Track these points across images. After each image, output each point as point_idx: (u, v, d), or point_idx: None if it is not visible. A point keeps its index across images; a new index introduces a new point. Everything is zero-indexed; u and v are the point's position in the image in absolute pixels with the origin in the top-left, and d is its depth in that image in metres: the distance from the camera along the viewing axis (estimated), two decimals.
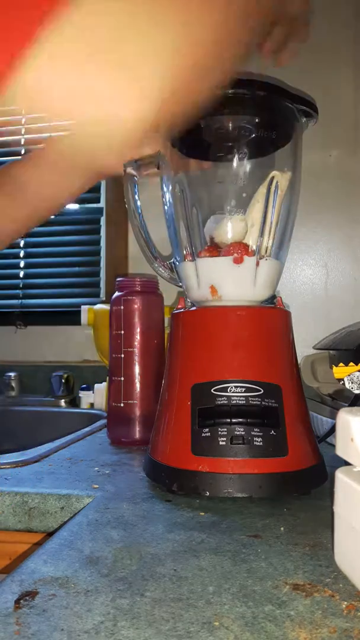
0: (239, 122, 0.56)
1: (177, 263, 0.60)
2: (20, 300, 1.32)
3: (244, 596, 0.32)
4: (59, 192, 0.65)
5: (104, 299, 1.26)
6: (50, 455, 0.69)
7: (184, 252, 0.59)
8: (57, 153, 0.64)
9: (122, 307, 0.77)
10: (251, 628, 0.28)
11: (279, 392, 0.51)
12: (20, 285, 1.32)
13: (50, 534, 0.52)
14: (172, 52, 0.31)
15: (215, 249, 0.57)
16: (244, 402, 0.49)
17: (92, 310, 1.02)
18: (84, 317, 1.02)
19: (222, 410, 0.49)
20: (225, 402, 0.50)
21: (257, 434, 0.48)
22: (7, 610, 0.30)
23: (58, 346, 1.30)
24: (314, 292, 1.18)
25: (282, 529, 0.43)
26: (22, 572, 0.35)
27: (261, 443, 0.48)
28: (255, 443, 0.48)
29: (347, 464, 0.34)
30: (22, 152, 1.36)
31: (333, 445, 0.35)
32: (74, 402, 1.21)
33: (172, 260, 0.62)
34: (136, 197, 0.63)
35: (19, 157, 1.37)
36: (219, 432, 0.49)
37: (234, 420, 0.49)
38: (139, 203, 0.63)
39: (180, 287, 0.61)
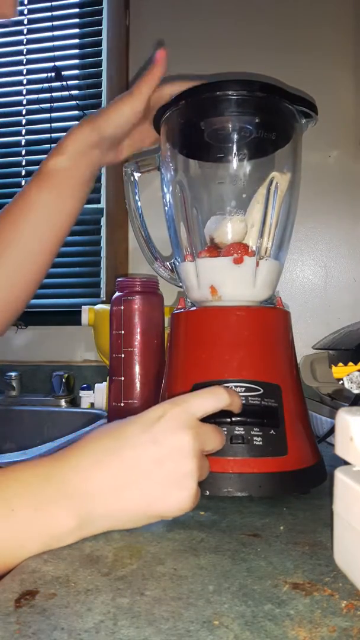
0: (239, 123, 0.56)
1: (177, 263, 0.60)
2: None
3: (243, 595, 0.32)
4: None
5: (104, 299, 1.26)
6: None
7: (184, 252, 0.59)
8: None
9: (122, 307, 0.77)
10: (251, 627, 0.28)
11: (278, 392, 0.51)
12: None
13: None
14: None
15: (215, 249, 0.57)
16: (244, 401, 0.49)
17: (93, 311, 1.02)
18: (85, 317, 1.02)
19: (222, 409, 0.49)
20: None
21: (257, 433, 0.48)
22: (7, 610, 0.30)
23: (59, 346, 1.30)
24: (314, 292, 1.18)
25: (281, 528, 0.43)
26: (23, 571, 0.35)
27: (261, 442, 0.48)
28: (255, 442, 0.48)
29: (346, 463, 0.34)
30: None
31: (333, 445, 0.35)
32: (75, 401, 1.21)
33: (172, 261, 0.63)
34: (136, 197, 0.63)
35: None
36: None
37: (233, 419, 0.49)
38: (139, 203, 0.63)
39: (180, 287, 0.61)
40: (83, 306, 1.03)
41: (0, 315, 0.62)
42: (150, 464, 0.39)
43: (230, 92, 0.54)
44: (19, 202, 0.61)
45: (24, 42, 1.37)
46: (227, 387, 0.49)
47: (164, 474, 0.39)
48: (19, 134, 1.36)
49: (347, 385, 0.58)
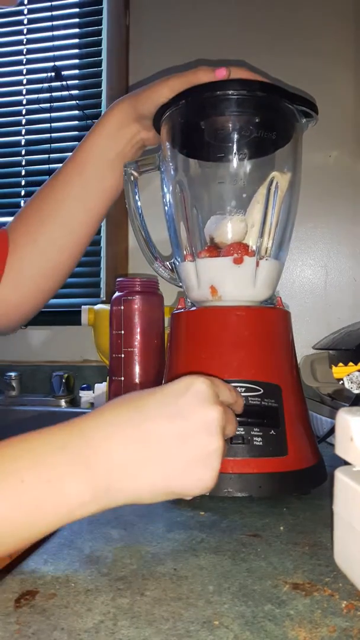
0: (239, 122, 0.56)
1: (177, 263, 0.60)
2: None
3: (243, 595, 0.32)
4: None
5: (104, 299, 1.26)
6: None
7: (184, 252, 0.59)
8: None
9: (122, 307, 0.77)
10: (251, 627, 0.28)
11: (278, 392, 0.51)
12: None
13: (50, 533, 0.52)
14: None
15: (215, 249, 0.57)
16: (244, 401, 0.49)
17: (93, 311, 1.02)
18: (85, 317, 1.02)
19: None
20: None
21: (257, 433, 0.48)
22: (7, 610, 0.30)
23: (59, 346, 1.30)
24: (314, 292, 1.18)
25: (281, 528, 0.43)
26: (23, 571, 0.35)
27: (261, 443, 0.48)
28: (255, 443, 0.48)
29: (346, 463, 0.34)
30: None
31: (333, 445, 0.35)
32: (75, 401, 1.21)
33: (172, 261, 0.62)
34: (136, 197, 0.63)
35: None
36: None
37: None
38: (139, 203, 0.63)
39: (180, 287, 0.61)
40: (83, 306, 1.03)
41: (50, 281, 0.65)
42: (175, 440, 0.36)
43: (230, 92, 0.54)
44: (60, 178, 0.63)
45: (24, 42, 1.37)
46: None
47: (189, 450, 0.36)
48: (19, 133, 1.36)
49: (347, 385, 0.58)
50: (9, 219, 0.65)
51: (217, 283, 0.55)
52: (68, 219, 0.62)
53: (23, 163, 1.36)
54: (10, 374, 1.24)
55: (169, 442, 0.36)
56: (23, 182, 1.36)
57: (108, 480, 0.35)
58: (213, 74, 0.55)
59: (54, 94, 1.33)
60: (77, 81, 1.33)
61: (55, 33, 1.34)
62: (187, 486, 0.37)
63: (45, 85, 1.33)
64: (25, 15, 1.38)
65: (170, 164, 0.60)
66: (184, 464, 0.36)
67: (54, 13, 1.35)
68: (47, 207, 0.62)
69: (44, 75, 1.33)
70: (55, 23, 1.34)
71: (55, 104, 1.33)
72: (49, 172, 1.30)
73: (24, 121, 1.36)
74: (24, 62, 1.37)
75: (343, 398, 0.76)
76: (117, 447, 0.36)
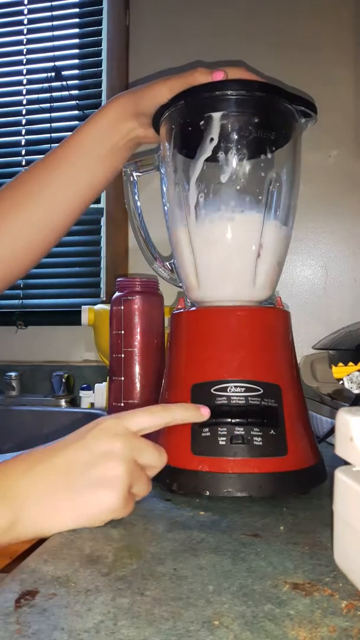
0: (239, 123, 0.56)
1: (176, 263, 0.60)
2: (20, 301, 1.32)
3: (243, 595, 0.32)
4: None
5: (104, 299, 1.26)
6: None
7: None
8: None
9: (122, 307, 0.77)
10: (251, 627, 0.28)
11: (278, 392, 0.51)
12: (21, 285, 1.32)
13: None
14: None
15: None
16: (244, 402, 0.49)
17: (93, 311, 1.02)
18: (85, 317, 1.02)
19: (222, 410, 0.49)
20: (225, 401, 0.50)
21: (257, 433, 0.48)
22: (7, 610, 0.30)
23: (59, 346, 1.30)
24: (313, 292, 1.18)
25: (281, 528, 0.43)
26: (23, 571, 0.35)
27: (261, 443, 0.48)
28: (254, 443, 0.48)
29: (346, 463, 0.34)
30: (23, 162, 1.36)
31: (333, 445, 0.35)
32: (75, 401, 1.21)
33: (172, 261, 0.62)
34: (136, 197, 0.63)
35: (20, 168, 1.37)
36: (219, 432, 0.49)
37: (233, 420, 0.49)
38: (139, 204, 0.63)
39: (180, 287, 0.61)
40: (83, 306, 1.03)
41: (19, 261, 0.63)
42: (79, 469, 0.40)
43: (229, 92, 0.54)
44: (48, 162, 0.62)
45: (24, 42, 1.37)
46: (181, 404, 0.48)
47: (93, 477, 0.40)
48: (19, 134, 1.36)
49: (347, 385, 0.58)
50: None
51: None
52: (49, 202, 0.61)
53: (23, 163, 1.36)
54: (10, 374, 1.24)
55: (74, 471, 0.40)
56: None
57: (19, 509, 0.38)
58: (210, 76, 0.55)
59: (54, 94, 1.33)
60: (77, 81, 1.33)
61: (55, 33, 1.34)
62: (94, 510, 0.40)
63: (45, 85, 1.33)
64: (25, 15, 1.38)
65: (170, 164, 0.60)
66: (89, 489, 0.40)
67: (54, 13, 1.35)
68: (30, 187, 0.61)
69: (44, 75, 1.33)
70: (55, 23, 1.34)
71: (55, 104, 1.33)
72: None
73: (24, 121, 1.36)
74: (24, 62, 1.37)
75: (343, 398, 0.76)
76: (27, 479, 0.40)
